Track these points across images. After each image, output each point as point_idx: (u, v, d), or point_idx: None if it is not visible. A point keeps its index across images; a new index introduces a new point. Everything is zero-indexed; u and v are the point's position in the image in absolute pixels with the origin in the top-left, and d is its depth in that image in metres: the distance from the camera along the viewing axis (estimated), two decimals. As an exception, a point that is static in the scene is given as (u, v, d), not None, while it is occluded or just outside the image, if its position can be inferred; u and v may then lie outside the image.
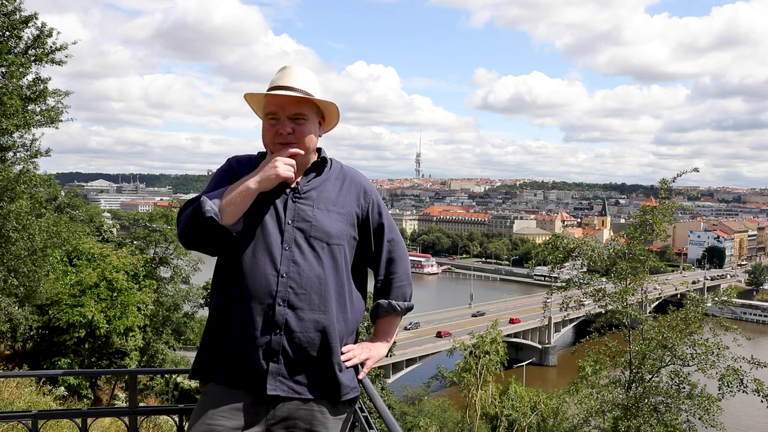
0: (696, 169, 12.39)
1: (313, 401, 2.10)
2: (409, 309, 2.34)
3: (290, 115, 2.15)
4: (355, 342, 2.28)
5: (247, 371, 2.07)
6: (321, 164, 2.26)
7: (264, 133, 2.20)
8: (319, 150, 2.28)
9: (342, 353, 2.16)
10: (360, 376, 2.22)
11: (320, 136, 2.26)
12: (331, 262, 2.14)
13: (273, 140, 2.16)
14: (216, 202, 2.06)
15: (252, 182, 2.07)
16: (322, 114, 2.25)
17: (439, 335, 63.71)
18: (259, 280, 2.07)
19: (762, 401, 10.48)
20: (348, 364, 2.16)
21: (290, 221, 2.13)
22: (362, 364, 2.23)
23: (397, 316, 2.33)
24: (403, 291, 2.33)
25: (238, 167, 2.24)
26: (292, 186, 2.19)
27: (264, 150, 2.28)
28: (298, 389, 2.08)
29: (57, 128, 11.86)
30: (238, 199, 2.06)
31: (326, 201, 2.19)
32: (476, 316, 74.33)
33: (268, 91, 2.18)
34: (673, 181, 11.96)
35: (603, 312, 12.42)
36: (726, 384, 10.52)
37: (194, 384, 18.87)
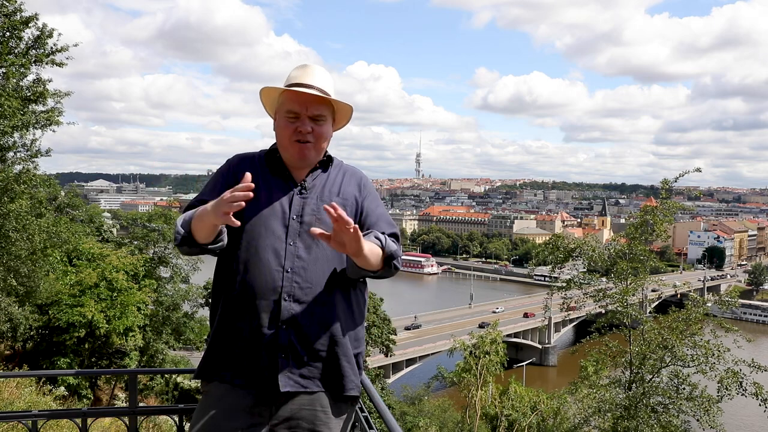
0: (698, 169, 12.31)
1: (317, 400, 2.10)
2: (394, 257, 2.13)
3: (311, 115, 2.15)
4: (359, 342, 2.24)
5: (255, 368, 2.06)
6: (326, 162, 2.28)
7: (280, 129, 2.19)
8: None
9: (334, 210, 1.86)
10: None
11: (331, 136, 2.28)
12: (336, 256, 2.13)
13: (290, 138, 2.15)
14: (188, 224, 2.05)
15: (209, 215, 1.95)
16: (333, 115, 2.26)
17: (525, 315, 72.92)
18: (264, 276, 2.08)
19: (760, 405, 10.46)
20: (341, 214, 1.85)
21: (295, 216, 2.14)
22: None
23: (380, 252, 2.09)
24: (396, 246, 2.15)
25: (236, 167, 2.23)
26: (297, 182, 2.20)
27: (267, 148, 2.28)
28: (305, 383, 2.08)
29: (54, 131, 11.85)
30: (202, 226, 2.00)
31: (330, 195, 2.20)
32: (410, 329, 66.05)
33: (287, 87, 2.17)
34: (675, 181, 11.91)
35: (603, 312, 12.40)
36: (725, 387, 10.50)
37: (194, 384, 18.87)
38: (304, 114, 2.14)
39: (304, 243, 2.12)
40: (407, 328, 66.36)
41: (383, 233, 2.17)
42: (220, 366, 2.11)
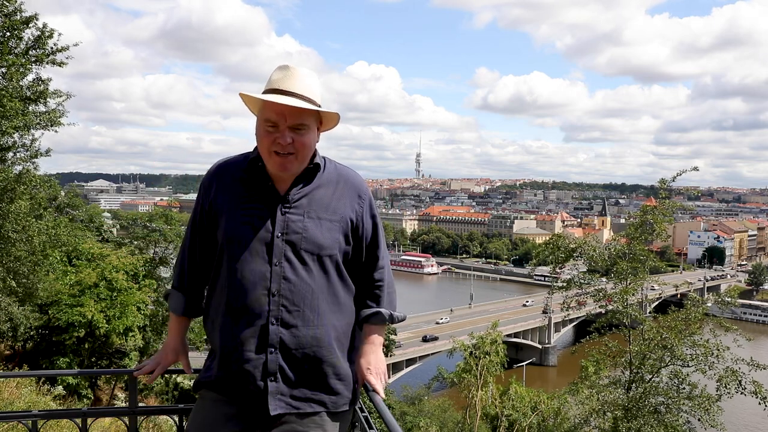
0: (696, 168, 12.33)
1: (310, 414, 2.07)
2: (403, 320, 2.36)
3: (292, 125, 1.99)
4: (350, 347, 2.20)
5: (245, 392, 2.03)
6: (313, 170, 2.11)
7: (260, 138, 2.04)
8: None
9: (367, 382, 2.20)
10: (380, 395, 2.17)
11: (317, 141, 2.13)
12: (323, 275, 2.07)
13: (269, 149, 2.00)
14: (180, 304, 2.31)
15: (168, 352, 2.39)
16: (320, 119, 2.11)
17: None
18: (250, 300, 2.01)
19: (760, 403, 10.48)
20: (379, 390, 2.18)
21: (279, 234, 2.03)
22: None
23: (387, 324, 2.31)
24: (393, 299, 2.31)
25: (218, 180, 2.16)
26: (282, 195, 2.08)
27: (249, 152, 2.15)
28: (296, 405, 2.04)
29: (56, 131, 11.85)
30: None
31: (318, 209, 2.08)
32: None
33: (267, 92, 2.02)
34: (673, 181, 11.94)
35: (603, 312, 12.41)
36: (724, 386, 10.52)
37: (194, 384, 18.85)
38: (284, 125, 1.98)
39: (290, 263, 2.02)
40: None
41: (381, 281, 2.26)
42: (213, 387, 2.10)
